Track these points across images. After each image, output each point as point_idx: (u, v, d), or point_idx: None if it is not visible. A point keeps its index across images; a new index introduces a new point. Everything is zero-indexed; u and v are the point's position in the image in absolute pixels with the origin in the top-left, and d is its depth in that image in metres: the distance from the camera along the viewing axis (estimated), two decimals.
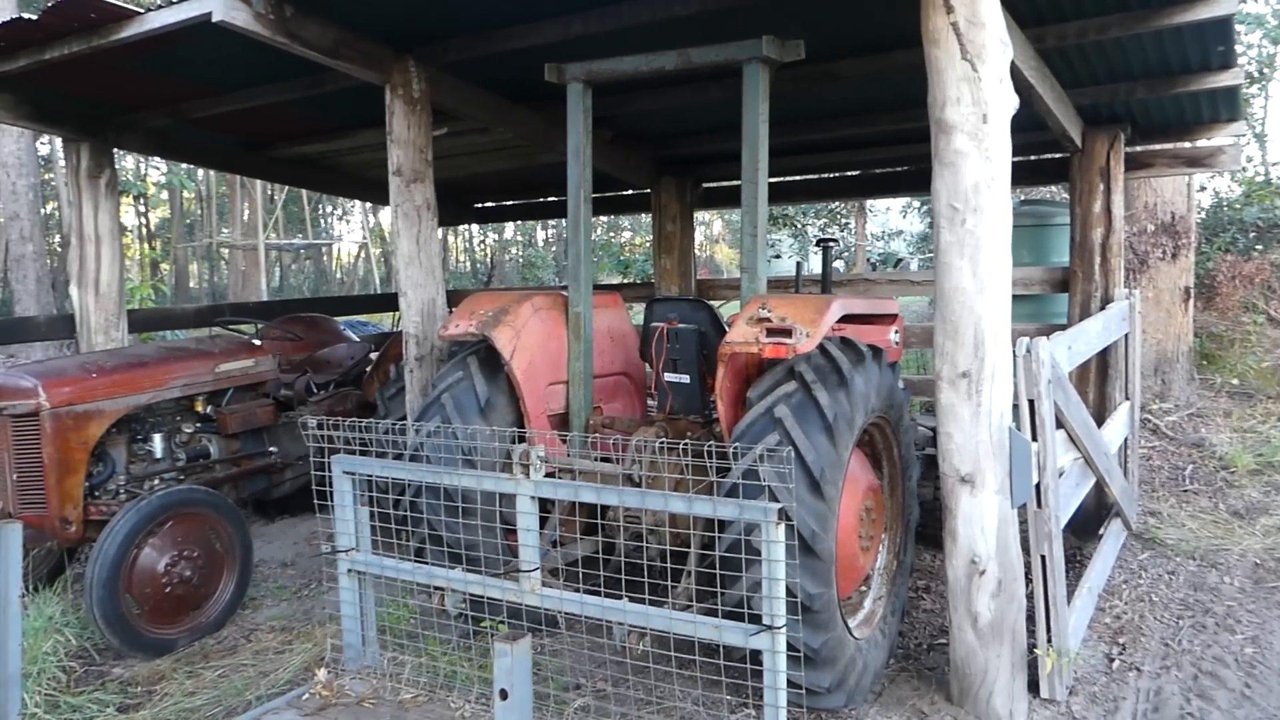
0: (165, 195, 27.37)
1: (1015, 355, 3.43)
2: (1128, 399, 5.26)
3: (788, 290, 5.41)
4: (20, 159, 15.84)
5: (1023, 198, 7.59)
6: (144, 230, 29.58)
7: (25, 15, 4.37)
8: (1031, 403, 3.44)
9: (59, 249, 23.82)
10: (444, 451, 3.91)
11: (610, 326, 4.56)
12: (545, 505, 4.18)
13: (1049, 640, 3.50)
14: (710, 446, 3.07)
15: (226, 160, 7.49)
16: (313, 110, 6.08)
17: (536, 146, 6.24)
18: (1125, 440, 5.26)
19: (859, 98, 5.54)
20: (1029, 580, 3.51)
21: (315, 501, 3.70)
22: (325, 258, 34.75)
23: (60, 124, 5.85)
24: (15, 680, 3.39)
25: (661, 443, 3.55)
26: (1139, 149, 5.79)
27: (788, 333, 3.29)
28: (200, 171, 22.46)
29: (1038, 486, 3.44)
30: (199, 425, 5.02)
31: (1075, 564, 4.86)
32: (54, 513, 4.26)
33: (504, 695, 2.13)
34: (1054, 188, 10.83)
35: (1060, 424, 3.77)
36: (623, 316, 4.75)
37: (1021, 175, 6.62)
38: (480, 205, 8.99)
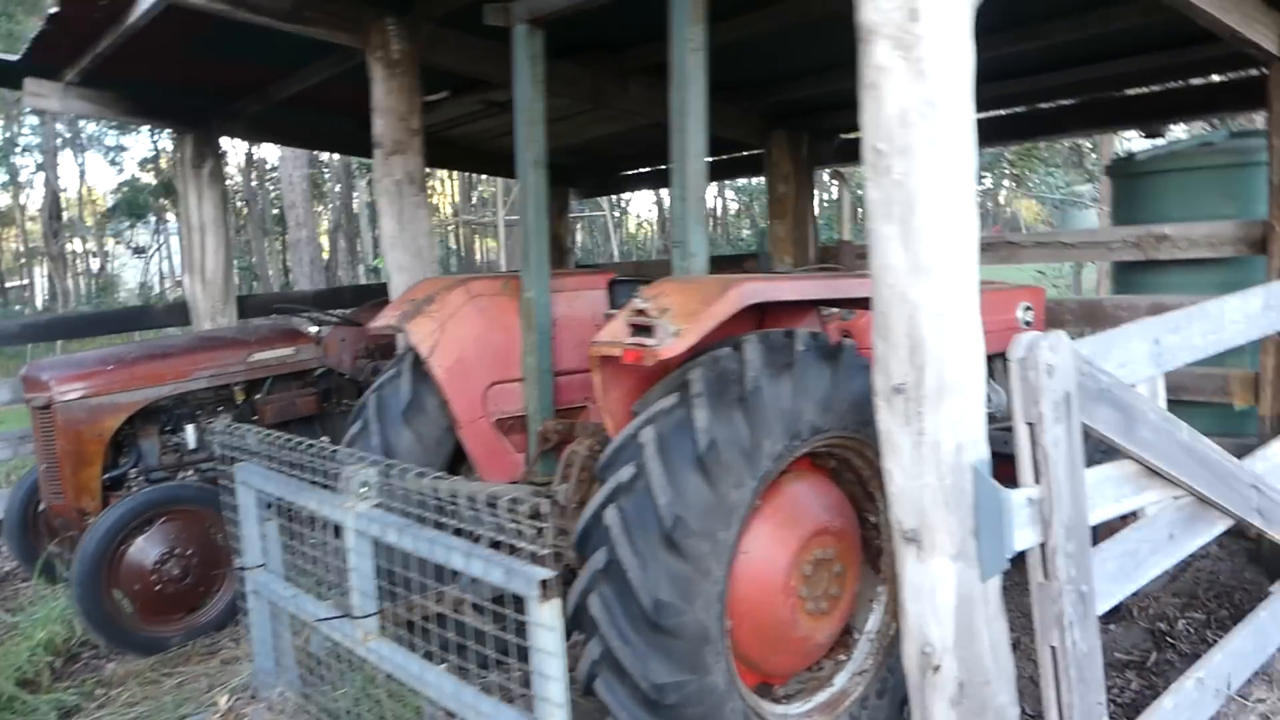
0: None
1: (1010, 359, 2.39)
2: None
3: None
4: (295, 150, 17.51)
5: (1228, 129, 5.79)
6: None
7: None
8: (1032, 428, 2.38)
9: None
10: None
11: (596, 313, 3.87)
12: None
13: None
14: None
15: (338, 141, 7.52)
16: None
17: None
18: None
19: None
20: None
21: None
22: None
23: (164, 117, 6.09)
24: None
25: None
26: None
27: (651, 330, 2.48)
28: None
29: (1043, 550, 2.38)
30: (236, 415, 4.97)
31: None
32: (70, 503, 4.34)
33: None
34: None
35: (1119, 452, 2.63)
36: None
37: (1192, 103, 5.05)
38: (619, 175, 8.38)
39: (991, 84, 5.25)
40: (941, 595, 2.31)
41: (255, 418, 5.00)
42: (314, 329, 5.47)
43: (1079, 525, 2.43)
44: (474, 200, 29.76)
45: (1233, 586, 4.10)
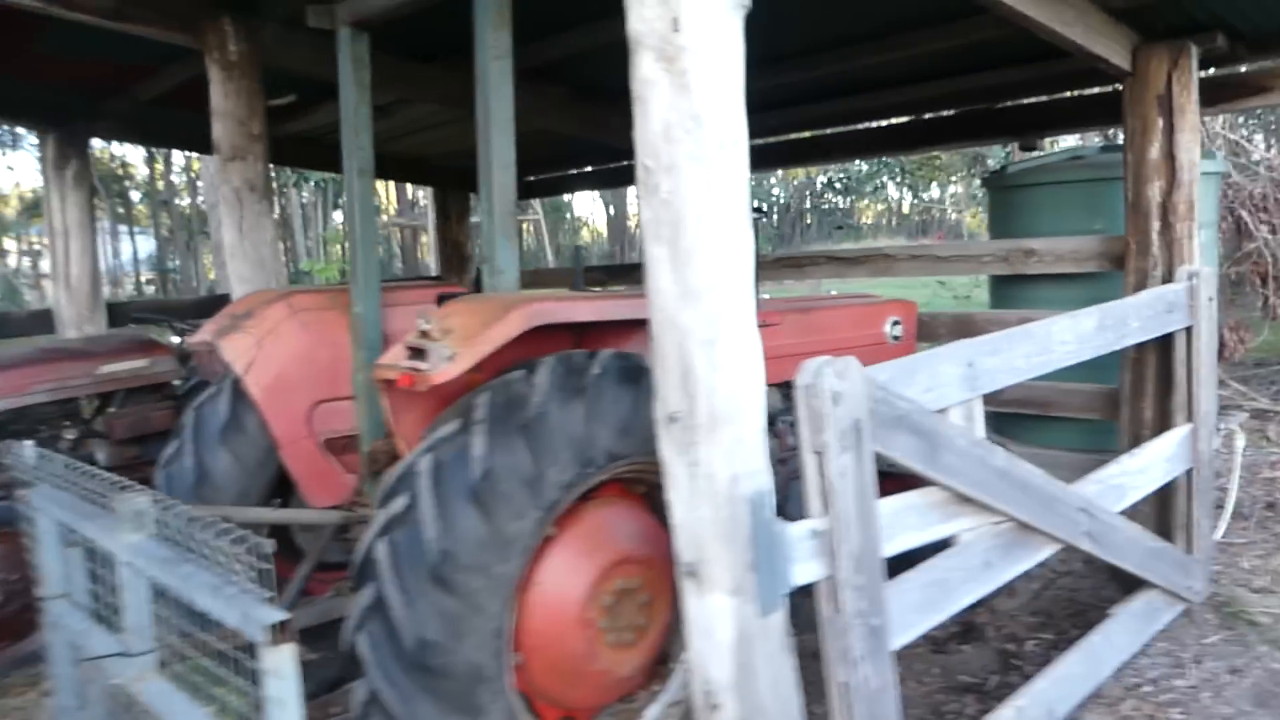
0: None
1: (796, 386, 2.30)
2: (1190, 421, 3.71)
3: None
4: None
5: (1101, 142, 5.82)
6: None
7: None
8: (819, 457, 2.29)
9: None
10: (180, 482, 3.31)
11: None
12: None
13: None
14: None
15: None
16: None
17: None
18: (1181, 478, 3.74)
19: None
20: None
21: None
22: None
23: (25, 115, 5.82)
24: None
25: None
26: (1246, 68, 4.10)
27: (425, 354, 2.35)
28: None
29: (831, 583, 2.29)
30: (84, 431, 4.75)
31: None
32: None
33: None
34: None
35: (927, 480, 2.55)
36: None
37: (1063, 116, 5.06)
38: (530, 179, 8.21)
39: (861, 96, 5.23)
40: (720, 632, 2.22)
41: (106, 434, 4.79)
42: (175, 339, 5.26)
43: (869, 557, 2.35)
44: (420, 201, 29.28)
45: (1089, 605, 4.07)
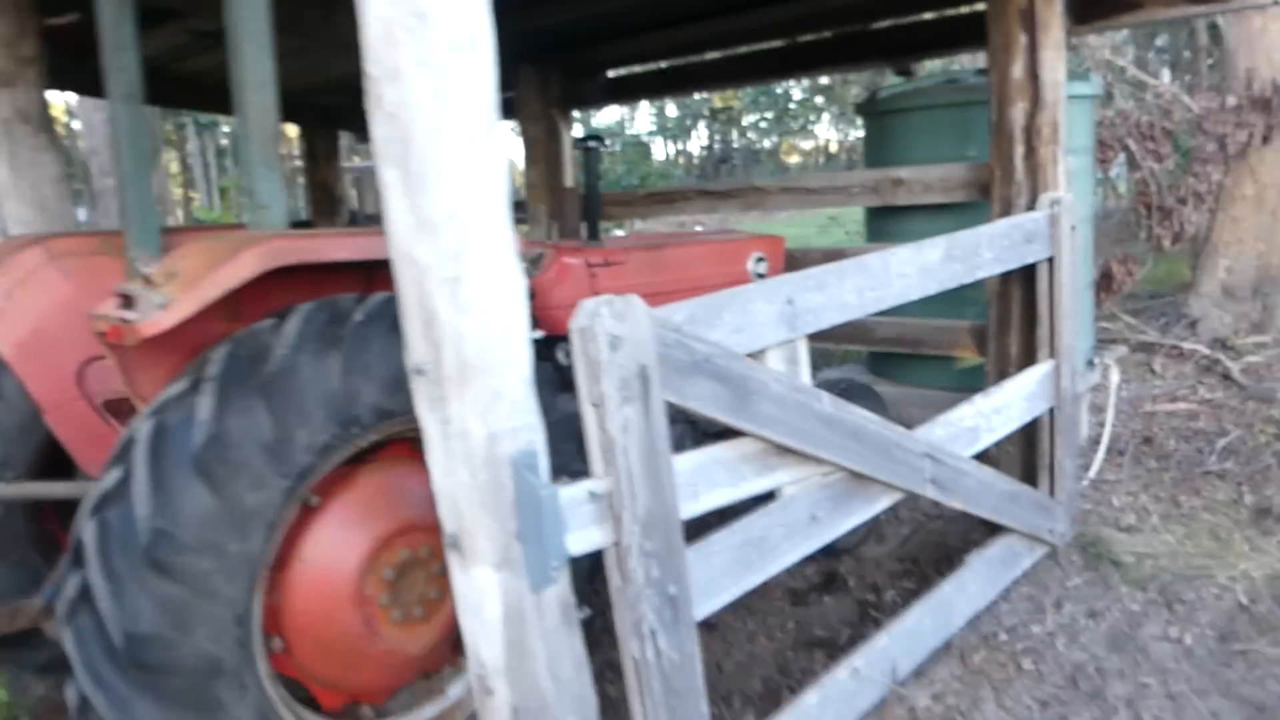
0: None
1: (571, 330, 2.01)
2: (1052, 357, 3.53)
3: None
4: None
5: (974, 68, 5.60)
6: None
7: None
8: (597, 410, 2.01)
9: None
10: None
11: None
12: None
13: None
14: None
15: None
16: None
17: None
18: (1044, 417, 3.57)
19: None
20: None
21: None
22: None
23: None
24: None
25: None
26: None
27: (134, 301, 2.01)
28: None
29: (617, 550, 2.04)
30: None
31: None
32: None
33: None
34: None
35: (737, 431, 2.30)
36: None
37: (937, 38, 4.81)
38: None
39: (730, 18, 4.90)
40: (488, 609, 1.95)
41: None
42: None
43: (663, 519, 2.09)
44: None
45: (957, 549, 3.90)
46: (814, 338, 2.75)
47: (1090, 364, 4.75)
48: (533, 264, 3.52)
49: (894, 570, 3.85)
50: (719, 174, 32.96)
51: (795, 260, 4.50)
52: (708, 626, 3.48)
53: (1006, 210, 3.71)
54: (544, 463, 1.97)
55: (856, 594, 3.70)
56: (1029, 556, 3.53)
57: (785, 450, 2.42)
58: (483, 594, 1.95)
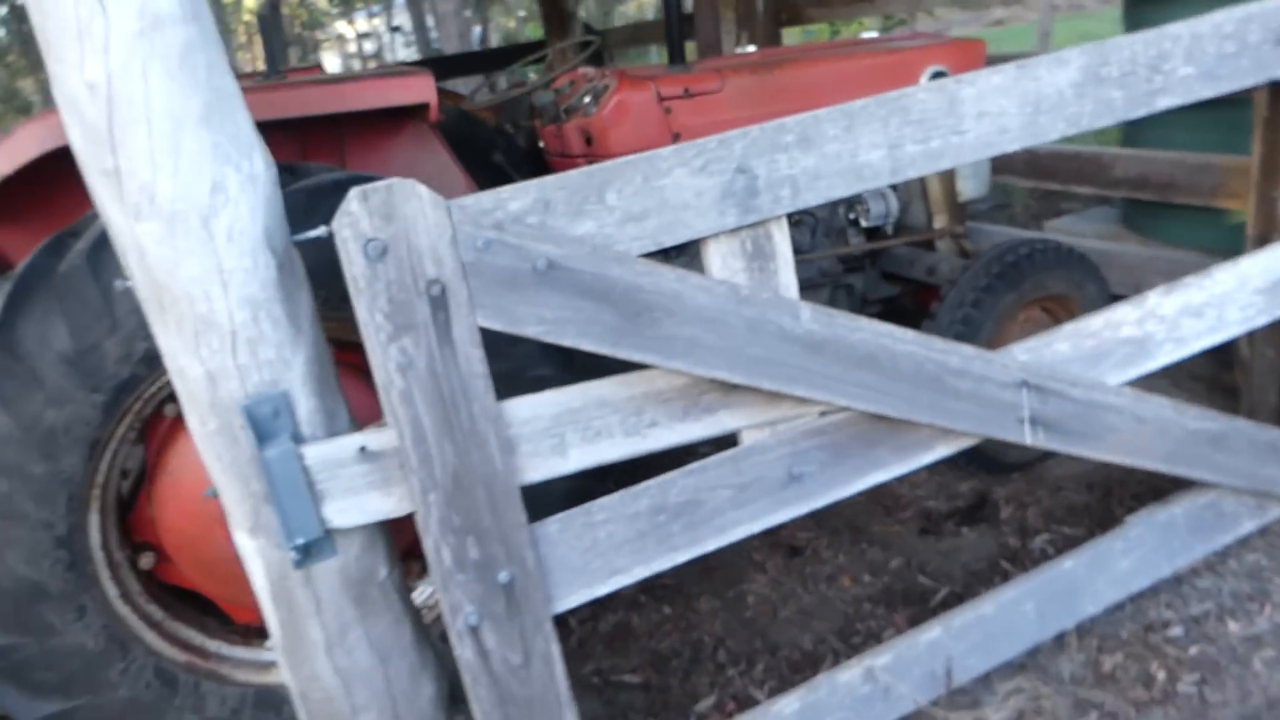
0: None
1: (335, 232, 1.46)
2: None
3: None
4: None
5: None
6: None
7: None
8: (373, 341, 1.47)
9: None
10: None
11: None
12: None
13: None
14: None
15: None
16: None
17: None
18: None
19: None
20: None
21: None
22: None
23: None
24: None
25: None
26: None
27: None
28: None
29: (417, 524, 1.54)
30: None
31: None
32: None
33: None
34: None
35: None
36: None
37: None
38: None
39: None
40: (257, 580, 1.59)
41: None
42: None
43: (484, 484, 1.55)
44: None
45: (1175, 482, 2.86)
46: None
47: None
48: (593, 99, 2.89)
49: (1069, 505, 2.90)
50: None
51: None
52: (793, 550, 2.87)
53: None
54: (308, 409, 1.49)
55: (1004, 533, 2.84)
56: (1252, 519, 2.44)
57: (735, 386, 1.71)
58: (249, 562, 1.58)
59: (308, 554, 1.52)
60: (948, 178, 3.32)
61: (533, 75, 3.28)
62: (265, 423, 1.45)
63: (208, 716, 2.04)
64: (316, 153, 2.25)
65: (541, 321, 1.53)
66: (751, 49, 4.12)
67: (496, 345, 1.53)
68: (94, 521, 1.92)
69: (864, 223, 3.27)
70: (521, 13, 21.22)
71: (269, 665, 2.14)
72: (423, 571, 2.26)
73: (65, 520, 1.85)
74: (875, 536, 2.89)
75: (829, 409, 1.80)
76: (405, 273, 1.43)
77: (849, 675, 1.99)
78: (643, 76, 2.86)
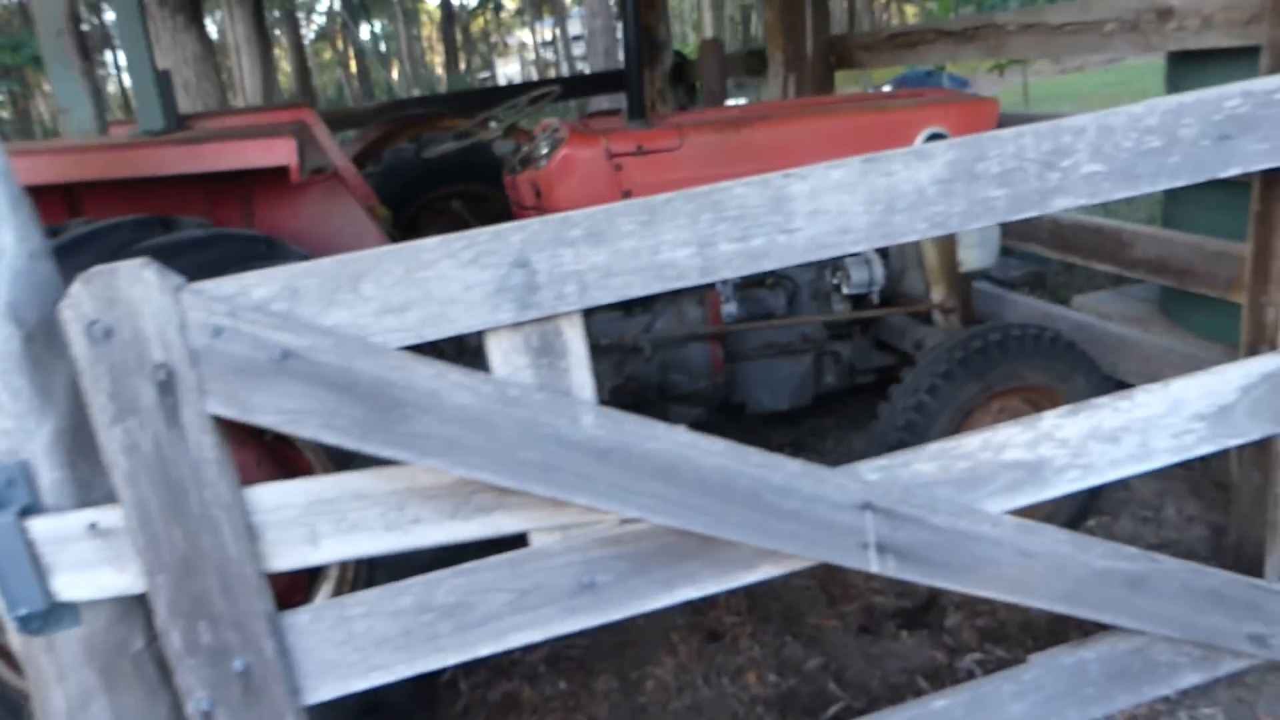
0: None
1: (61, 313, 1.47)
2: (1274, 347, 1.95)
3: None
4: None
5: None
6: None
7: None
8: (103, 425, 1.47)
9: None
10: None
11: None
12: None
13: None
14: None
15: None
16: None
17: None
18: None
19: None
20: None
21: None
22: None
23: None
24: None
25: None
26: None
27: None
28: None
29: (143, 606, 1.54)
30: None
31: None
32: None
33: None
34: None
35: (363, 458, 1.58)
36: None
37: None
38: None
39: None
40: (14, 640, 1.62)
41: None
42: None
43: (217, 570, 1.53)
44: None
45: None
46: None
47: None
48: (548, 150, 2.84)
49: (1023, 621, 2.61)
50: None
51: None
52: (713, 634, 2.72)
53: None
54: (53, 479, 1.51)
55: (940, 644, 2.59)
56: (1196, 672, 2.12)
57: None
58: (6, 622, 1.61)
59: (43, 622, 1.53)
60: (946, 246, 3.08)
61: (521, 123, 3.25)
62: None
63: None
64: (223, 206, 2.30)
65: (280, 411, 1.49)
66: (743, 101, 3.95)
67: None
68: None
69: (845, 290, 3.08)
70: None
71: None
72: None
73: None
74: (805, 630, 2.70)
75: (627, 519, 1.69)
76: (130, 356, 1.43)
77: None
78: (595, 131, 2.78)
